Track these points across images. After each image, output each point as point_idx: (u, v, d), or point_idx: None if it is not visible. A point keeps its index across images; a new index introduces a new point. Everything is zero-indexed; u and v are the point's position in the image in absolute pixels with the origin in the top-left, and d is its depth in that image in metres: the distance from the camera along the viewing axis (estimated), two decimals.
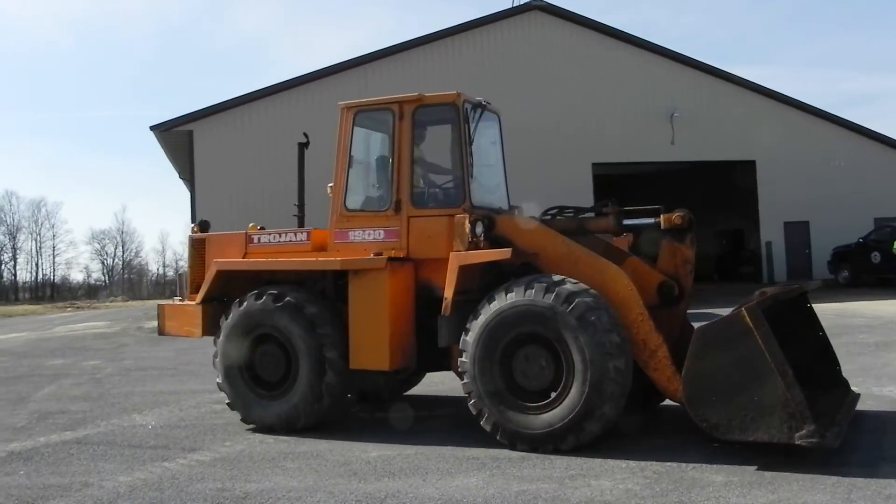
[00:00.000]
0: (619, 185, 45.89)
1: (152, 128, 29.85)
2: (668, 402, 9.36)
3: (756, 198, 34.87)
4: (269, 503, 6.22)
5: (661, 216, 8.28)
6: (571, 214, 8.92)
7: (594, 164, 32.59)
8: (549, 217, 8.88)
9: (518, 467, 6.90)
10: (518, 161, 30.40)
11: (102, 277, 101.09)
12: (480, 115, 8.93)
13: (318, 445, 8.12)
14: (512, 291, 7.67)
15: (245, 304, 9.01)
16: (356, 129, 9.22)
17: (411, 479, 6.70)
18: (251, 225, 10.28)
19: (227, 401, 9.27)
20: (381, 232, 8.76)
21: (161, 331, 10.44)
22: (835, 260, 31.92)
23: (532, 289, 7.55)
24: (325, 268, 8.99)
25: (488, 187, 9.49)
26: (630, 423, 7.94)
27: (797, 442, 6.39)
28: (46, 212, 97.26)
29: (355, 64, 31.38)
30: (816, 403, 7.13)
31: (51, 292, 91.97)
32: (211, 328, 9.54)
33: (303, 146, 10.70)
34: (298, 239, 9.47)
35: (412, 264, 8.67)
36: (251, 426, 9.07)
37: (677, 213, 8.20)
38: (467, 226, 8.22)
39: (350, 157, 9.14)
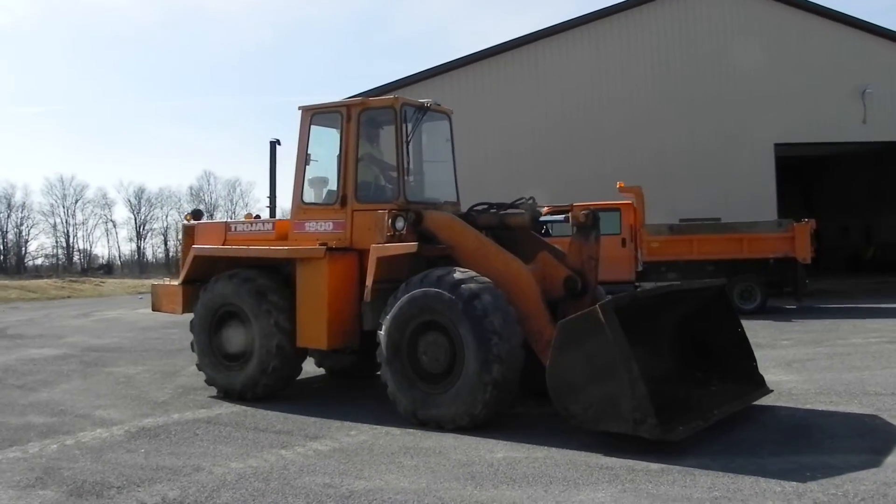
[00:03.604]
0: (805, 167, 43.44)
1: (301, 108, 30.05)
2: (837, 406, 8.48)
3: None
4: None
5: (570, 214, 8.89)
6: (494, 211, 9.55)
7: (777, 146, 30.46)
8: (475, 213, 9.59)
9: (655, 482, 6.08)
10: (694, 142, 29.45)
11: None
12: (423, 117, 9.64)
13: (443, 441, 7.61)
14: (412, 284, 8.43)
15: (211, 284, 10.14)
16: (313, 128, 10.01)
17: (532, 488, 6.04)
18: (246, 214, 11.31)
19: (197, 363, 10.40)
20: (331, 224, 9.65)
21: (153, 307, 11.66)
22: None
23: (426, 281, 8.32)
24: (275, 255, 9.87)
25: (434, 183, 10.36)
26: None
27: (641, 434, 6.74)
28: (241, 191, 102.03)
29: (524, 42, 30.69)
30: (703, 398, 8.03)
31: None
32: (191, 306, 10.53)
33: (274, 144, 11.28)
34: (266, 229, 10.55)
35: (355, 254, 9.45)
36: (382, 414, 8.76)
37: (582, 212, 8.74)
38: (388, 220, 8.93)
39: (307, 155, 9.97)
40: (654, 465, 6.51)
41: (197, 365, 10.38)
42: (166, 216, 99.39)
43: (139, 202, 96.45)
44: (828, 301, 23.16)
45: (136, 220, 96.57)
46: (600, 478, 6.27)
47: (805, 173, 45.39)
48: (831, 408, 8.62)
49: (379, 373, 8.81)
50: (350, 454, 7.24)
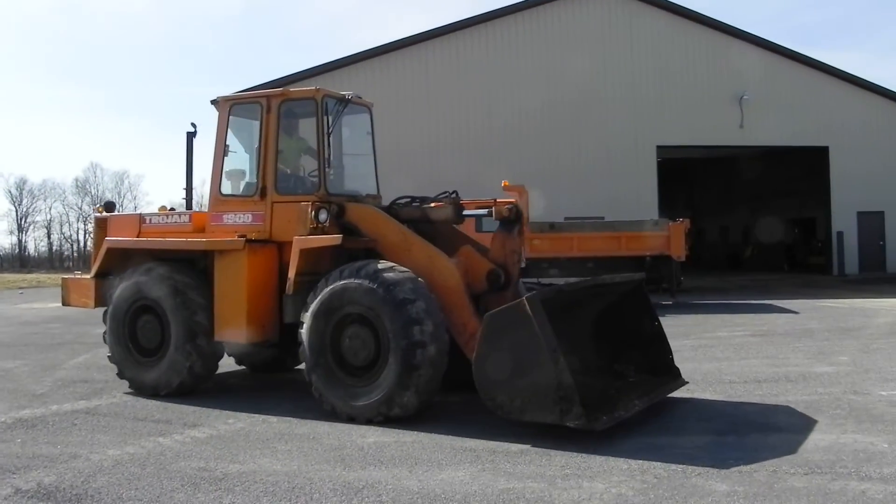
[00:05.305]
0: (685, 169, 45.15)
1: (213, 101, 29.81)
2: (693, 393, 9.07)
3: (828, 186, 33.59)
4: (244, 486, 5.98)
5: (493, 209, 8.95)
6: (417, 205, 9.51)
7: (659, 148, 31.71)
8: (398, 206, 9.54)
9: (513, 462, 6.52)
10: (579, 143, 30.34)
11: None
12: (343, 109, 9.60)
13: (318, 428, 7.88)
14: (342, 275, 8.35)
15: (125, 277, 9.94)
16: (232, 119, 9.93)
17: (398, 469, 6.39)
18: (161, 206, 11.20)
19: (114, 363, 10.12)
20: (249, 216, 9.53)
21: (63, 301, 11.43)
22: None
23: (358, 274, 8.24)
24: (192, 248, 9.73)
25: (355, 176, 10.42)
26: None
27: (567, 424, 6.90)
28: (129, 184, 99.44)
29: (415, 41, 31.19)
30: (622, 389, 8.24)
31: None
32: (103, 300, 10.37)
33: (191, 135, 11.16)
34: (182, 221, 10.40)
35: (275, 246, 9.39)
36: (262, 404, 9.03)
37: (506, 207, 8.89)
38: (310, 212, 8.90)
39: (226, 146, 9.87)
40: (515, 447, 6.94)
41: (104, 335, 10.18)
42: (50, 208, 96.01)
43: (20, 194, 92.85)
44: (702, 297, 24.26)
45: (17, 212, 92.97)
46: (463, 459, 6.66)
47: (689, 175, 47.16)
48: (686, 395, 9.20)
49: (298, 367, 8.90)
50: (226, 440, 7.45)
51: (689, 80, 31.36)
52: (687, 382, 9.20)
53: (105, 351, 10.35)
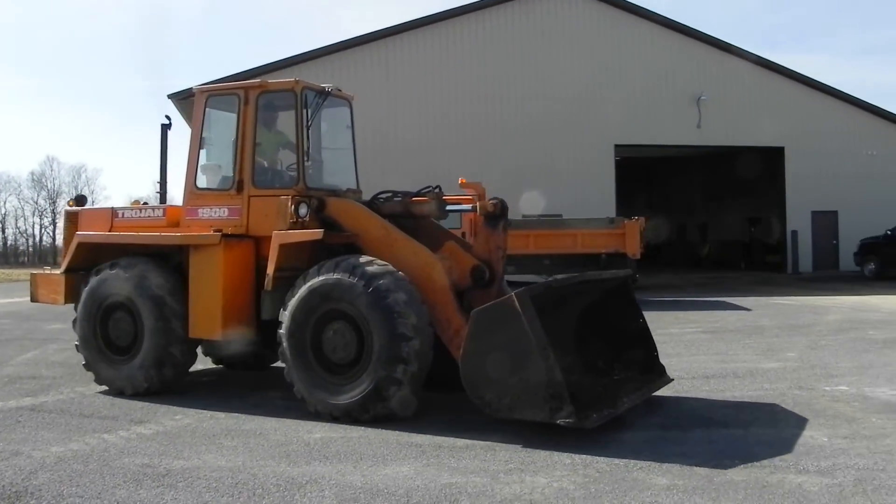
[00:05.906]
0: (645, 168, 45.57)
1: (170, 96, 29.66)
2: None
3: (784, 186, 34.11)
4: (187, 482, 5.95)
5: (478, 203, 8.81)
6: (399, 199, 9.31)
7: (617, 147, 31.97)
8: (379, 201, 9.35)
9: (457, 457, 6.54)
10: (537, 142, 30.46)
11: None
12: (323, 102, 9.38)
13: (265, 424, 7.87)
14: (321, 271, 8.14)
15: (97, 274, 9.64)
16: (208, 111, 9.72)
17: (342, 464, 6.39)
18: (133, 200, 10.80)
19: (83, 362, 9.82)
20: (226, 210, 9.30)
21: (32, 298, 11.01)
22: (861, 252, 30.99)
23: (338, 268, 8.04)
24: (166, 242, 9.46)
25: (334, 169, 10.18)
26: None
27: (557, 422, 6.79)
28: (86, 178, 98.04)
29: (375, 37, 31.17)
30: (609, 387, 8.01)
31: None
32: (73, 296, 10.02)
33: (165, 127, 10.92)
34: (156, 215, 10.10)
35: (252, 241, 9.15)
36: (212, 400, 9.02)
37: (491, 201, 8.69)
38: (290, 206, 8.65)
39: (202, 138, 9.68)
40: (460, 442, 6.99)
41: (84, 365, 9.81)
42: (4, 203, 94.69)
43: None
44: (658, 294, 24.49)
45: None
46: (408, 454, 6.68)
47: (648, 174, 47.61)
48: None
49: (273, 364, 8.70)
50: (172, 437, 7.40)
51: (647, 80, 31.64)
52: (672, 380, 9.11)
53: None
